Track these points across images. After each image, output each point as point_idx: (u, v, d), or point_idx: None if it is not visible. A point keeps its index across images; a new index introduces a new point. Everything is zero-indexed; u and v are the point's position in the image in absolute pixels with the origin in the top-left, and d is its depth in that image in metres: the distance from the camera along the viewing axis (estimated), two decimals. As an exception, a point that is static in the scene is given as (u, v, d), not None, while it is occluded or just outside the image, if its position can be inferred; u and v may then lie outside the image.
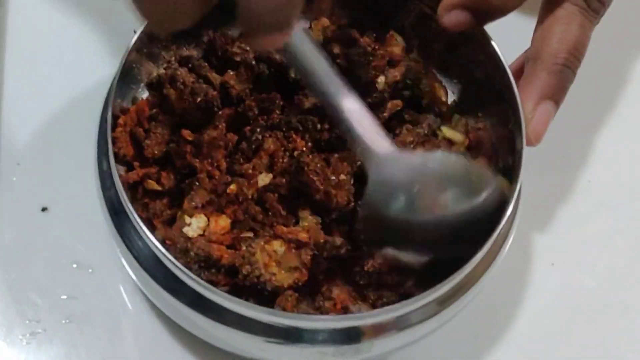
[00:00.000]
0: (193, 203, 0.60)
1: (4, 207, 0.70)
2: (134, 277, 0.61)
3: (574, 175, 0.77)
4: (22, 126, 0.73)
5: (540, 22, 0.64)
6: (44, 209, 0.70)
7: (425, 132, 0.67)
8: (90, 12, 0.78)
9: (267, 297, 0.58)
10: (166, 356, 0.66)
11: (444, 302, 0.58)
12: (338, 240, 0.60)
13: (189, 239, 0.59)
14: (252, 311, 0.55)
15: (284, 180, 0.62)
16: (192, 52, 0.66)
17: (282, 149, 0.64)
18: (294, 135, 0.64)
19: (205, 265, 0.58)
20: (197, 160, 0.62)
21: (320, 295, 0.60)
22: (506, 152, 0.64)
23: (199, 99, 0.63)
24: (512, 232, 0.61)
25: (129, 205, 0.56)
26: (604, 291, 0.72)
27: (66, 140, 0.73)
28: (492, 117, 0.67)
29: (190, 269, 0.56)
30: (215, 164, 0.62)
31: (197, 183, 0.61)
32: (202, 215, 0.60)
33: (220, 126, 0.63)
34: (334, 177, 0.62)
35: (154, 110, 0.64)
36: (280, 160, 0.63)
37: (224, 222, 0.61)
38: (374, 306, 0.60)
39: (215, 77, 0.66)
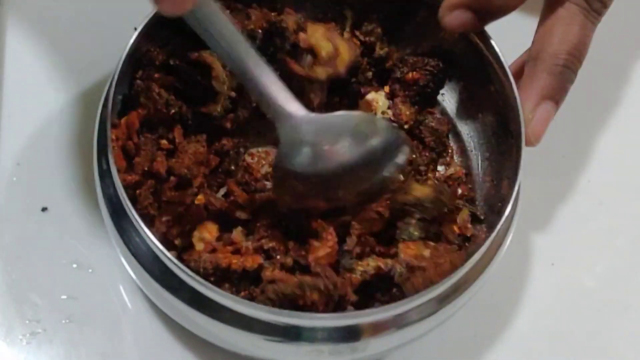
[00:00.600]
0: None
1: (4, 207, 0.70)
2: (133, 276, 0.61)
3: (574, 175, 0.77)
4: (22, 126, 0.73)
5: (541, 22, 0.64)
6: (44, 209, 0.70)
7: None
8: (90, 11, 0.79)
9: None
10: (166, 355, 0.66)
11: (443, 300, 0.58)
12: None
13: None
14: (251, 309, 0.55)
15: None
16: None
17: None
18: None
19: (221, 276, 0.59)
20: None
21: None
22: (506, 152, 0.64)
23: (172, 111, 0.64)
24: (511, 231, 0.62)
25: (129, 204, 0.56)
26: (604, 291, 0.72)
27: (66, 140, 0.73)
28: (492, 117, 0.67)
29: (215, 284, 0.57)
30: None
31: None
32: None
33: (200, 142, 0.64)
34: None
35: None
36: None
37: (212, 228, 0.62)
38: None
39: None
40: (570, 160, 0.77)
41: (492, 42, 0.64)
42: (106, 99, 0.61)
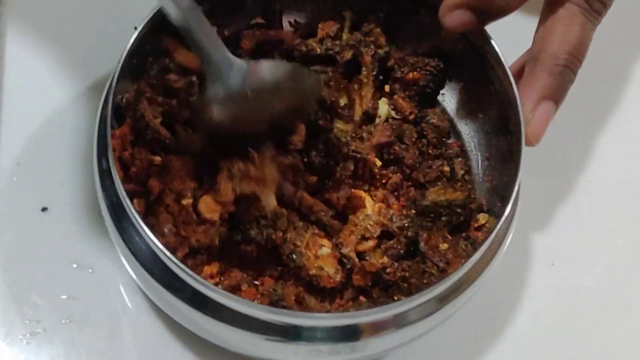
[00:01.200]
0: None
1: (4, 207, 0.70)
2: (133, 275, 0.61)
3: (574, 175, 0.77)
4: (22, 126, 0.73)
5: (541, 23, 0.64)
6: (44, 209, 0.70)
7: None
8: (90, 11, 0.79)
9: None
10: (166, 355, 0.66)
11: (443, 300, 0.58)
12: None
13: None
14: (251, 309, 0.55)
15: None
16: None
17: None
18: None
19: None
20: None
21: None
22: (506, 152, 0.64)
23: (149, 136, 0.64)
24: (510, 231, 0.62)
25: (129, 203, 0.56)
26: (604, 291, 0.72)
27: (66, 140, 0.73)
28: (492, 117, 0.67)
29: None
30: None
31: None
32: None
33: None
34: None
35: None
36: None
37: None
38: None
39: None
40: (570, 160, 0.77)
41: (493, 42, 0.64)
42: (106, 99, 0.61)
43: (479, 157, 0.70)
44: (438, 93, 0.71)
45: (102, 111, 0.61)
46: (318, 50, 0.69)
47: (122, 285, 0.68)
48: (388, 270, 0.63)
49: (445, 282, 0.56)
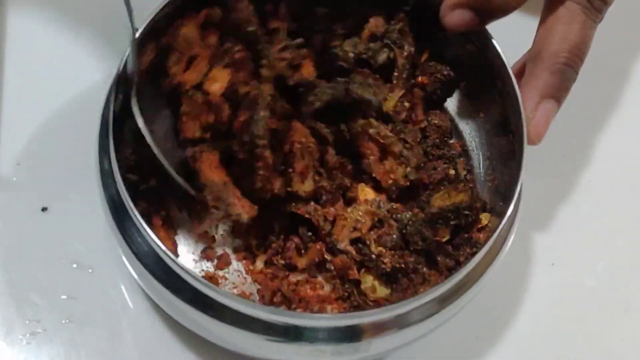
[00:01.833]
0: None
1: (4, 207, 0.70)
2: (135, 275, 0.61)
3: (574, 175, 0.77)
4: (22, 126, 0.73)
5: (542, 21, 0.64)
6: (44, 209, 0.70)
7: None
8: (91, 11, 0.79)
9: None
10: (166, 355, 0.66)
11: (444, 300, 0.58)
12: None
13: None
14: (252, 309, 0.55)
15: None
16: None
17: None
18: None
19: None
20: None
21: None
22: (508, 152, 0.64)
23: None
24: (512, 232, 0.62)
25: (130, 203, 0.56)
26: (604, 291, 0.72)
27: (66, 140, 0.73)
28: (493, 117, 0.67)
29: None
30: None
31: None
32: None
33: None
34: None
35: None
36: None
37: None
38: None
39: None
40: (571, 160, 0.77)
41: (494, 41, 0.64)
42: (108, 99, 0.61)
43: (481, 156, 0.70)
44: (445, 100, 0.71)
45: (104, 111, 0.61)
46: (351, 54, 0.69)
47: (123, 285, 0.68)
48: (385, 260, 0.63)
49: (447, 282, 0.56)
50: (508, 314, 0.71)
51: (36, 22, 0.78)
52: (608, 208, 0.76)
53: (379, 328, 0.57)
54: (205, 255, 0.67)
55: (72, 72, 0.75)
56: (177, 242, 0.67)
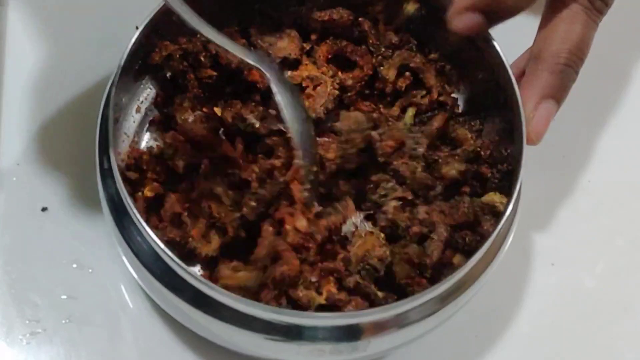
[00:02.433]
0: None
1: (4, 207, 0.70)
2: (135, 275, 0.61)
3: (574, 175, 0.77)
4: (22, 126, 0.73)
5: (543, 21, 0.64)
6: (44, 209, 0.70)
7: None
8: (91, 11, 0.79)
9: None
10: (167, 354, 0.66)
11: (444, 299, 0.58)
12: None
13: None
14: (252, 308, 0.55)
15: None
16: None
17: None
18: None
19: None
20: None
21: None
22: (507, 152, 0.64)
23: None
24: (512, 231, 0.62)
25: (131, 203, 0.56)
26: (604, 291, 0.72)
27: (66, 140, 0.73)
28: (493, 116, 0.67)
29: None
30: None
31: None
32: None
33: None
34: None
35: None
36: None
37: None
38: None
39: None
40: (570, 160, 0.77)
41: (494, 41, 0.64)
42: (108, 99, 0.61)
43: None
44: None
45: (104, 111, 0.62)
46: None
47: (123, 285, 0.68)
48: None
49: (447, 281, 0.56)
50: (508, 313, 0.70)
51: (37, 21, 0.78)
52: (608, 208, 0.76)
53: (379, 327, 0.57)
54: None
55: (72, 72, 0.75)
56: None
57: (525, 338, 0.70)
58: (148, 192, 0.63)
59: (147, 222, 0.56)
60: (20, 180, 0.71)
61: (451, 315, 0.60)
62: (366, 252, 0.61)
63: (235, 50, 0.62)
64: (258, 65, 0.63)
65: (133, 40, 0.61)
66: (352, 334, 0.57)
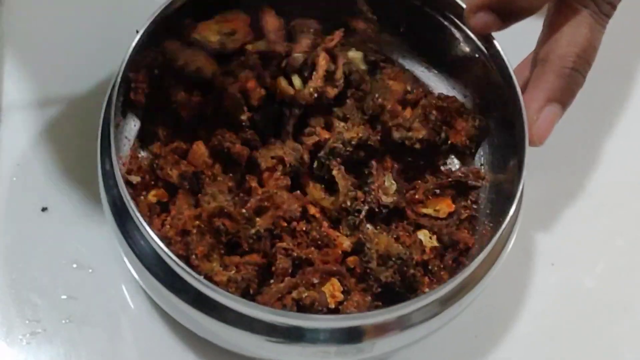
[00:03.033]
0: None
1: (4, 207, 0.70)
2: (136, 276, 0.61)
3: (574, 176, 0.77)
4: (22, 126, 0.73)
5: (550, 24, 0.63)
6: (44, 209, 0.70)
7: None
8: (92, 11, 0.78)
9: None
10: (167, 355, 0.66)
11: (446, 302, 0.58)
12: None
13: None
14: (254, 310, 0.55)
15: None
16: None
17: None
18: None
19: None
20: None
21: None
22: (509, 153, 0.64)
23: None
24: (514, 233, 0.62)
25: (132, 204, 0.56)
26: (604, 291, 0.72)
27: (66, 140, 0.72)
28: (495, 117, 0.67)
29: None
30: None
31: None
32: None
33: None
34: None
35: None
36: None
37: None
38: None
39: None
40: (571, 161, 0.77)
41: (495, 42, 0.65)
42: (109, 100, 0.61)
43: (483, 157, 0.70)
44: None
45: (106, 112, 0.61)
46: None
47: (123, 285, 0.68)
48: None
49: (449, 284, 0.56)
50: (508, 313, 0.71)
51: (37, 20, 0.78)
52: (608, 208, 0.76)
53: (382, 329, 0.57)
54: None
55: (73, 72, 0.75)
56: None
57: (526, 338, 0.70)
58: (152, 198, 0.63)
59: (150, 224, 0.56)
60: (20, 180, 0.71)
61: (454, 316, 0.61)
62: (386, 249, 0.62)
63: None
64: None
65: (134, 43, 0.61)
66: (354, 336, 0.57)
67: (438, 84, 0.73)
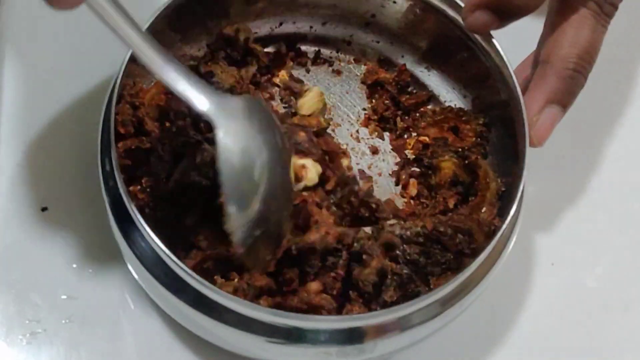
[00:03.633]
0: None
1: (4, 207, 0.70)
2: (136, 277, 0.61)
3: (574, 176, 0.77)
4: (22, 126, 0.73)
5: (551, 25, 0.63)
6: (44, 209, 0.70)
7: None
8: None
9: None
10: (167, 355, 0.66)
11: (447, 302, 0.58)
12: None
13: None
14: (254, 311, 0.55)
15: None
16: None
17: None
18: None
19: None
20: None
21: None
22: (510, 153, 0.64)
23: None
24: (514, 233, 0.62)
25: (133, 207, 0.56)
26: (604, 291, 0.72)
27: (66, 141, 0.73)
28: (496, 118, 0.67)
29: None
30: None
31: None
32: None
33: None
34: None
35: None
36: None
37: None
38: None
39: None
40: (571, 161, 0.77)
41: (495, 42, 0.65)
42: (109, 101, 0.61)
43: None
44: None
45: (106, 113, 0.62)
46: None
47: (124, 285, 0.68)
48: None
49: (450, 284, 0.56)
50: (508, 313, 0.71)
51: (37, 21, 0.78)
52: (608, 208, 0.76)
53: (382, 330, 0.57)
54: None
55: (73, 73, 0.75)
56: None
57: (526, 338, 0.70)
58: None
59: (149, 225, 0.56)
60: (20, 180, 0.71)
61: (455, 317, 0.61)
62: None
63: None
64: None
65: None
66: (354, 336, 0.57)
67: (438, 84, 0.73)
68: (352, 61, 0.76)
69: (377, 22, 0.73)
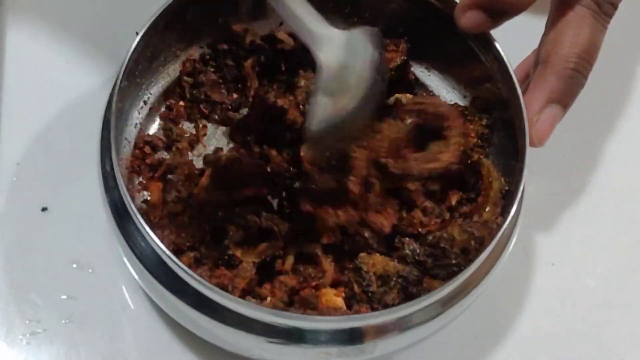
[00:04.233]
0: None
1: (4, 207, 0.70)
2: (136, 277, 0.61)
3: (574, 176, 0.77)
4: (22, 126, 0.73)
5: (551, 25, 0.63)
6: (44, 209, 0.70)
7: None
8: (93, 12, 0.79)
9: None
10: (167, 355, 0.66)
11: (447, 303, 0.58)
12: None
13: None
14: (254, 311, 0.55)
15: None
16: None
17: None
18: None
19: None
20: None
21: None
22: (510, 153, 0.64)
23: None
24: (515, 233, 0.62)
25: (132, 206, 0.56)
26: (604, 291, 0.72)
27: (66, 141, 0.73)
28: (496, 117, 0.67)
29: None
30: None
31: None
32: None
33: None
34: None
35: None
36: None
37: None
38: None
39: None
40: (571, 161, 0.77)
41: (495, 43, 0.64)
42: (109, 101, 0.61)
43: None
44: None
45: (106, 112, 0.62)
46: None
47: (123, 285, 0.68)
48: None
49: (450, 285, 0.56)
50: (508, 313, 0.71)
51: (37, 22, 0.78)
52: (608, 208, 0.76)
53: (382, 330, 0.57)
54: None
55: (73, 73, 0.75)
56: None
57: (526, 338, 0.70)
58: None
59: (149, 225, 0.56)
60: (20, 180, 0.71)
61: (455, 317, 0.61)
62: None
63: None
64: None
65: (134, 45, 0.61)
66: (354, 337, 0.57)
67: (438, 84, 0.73)
68: None
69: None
